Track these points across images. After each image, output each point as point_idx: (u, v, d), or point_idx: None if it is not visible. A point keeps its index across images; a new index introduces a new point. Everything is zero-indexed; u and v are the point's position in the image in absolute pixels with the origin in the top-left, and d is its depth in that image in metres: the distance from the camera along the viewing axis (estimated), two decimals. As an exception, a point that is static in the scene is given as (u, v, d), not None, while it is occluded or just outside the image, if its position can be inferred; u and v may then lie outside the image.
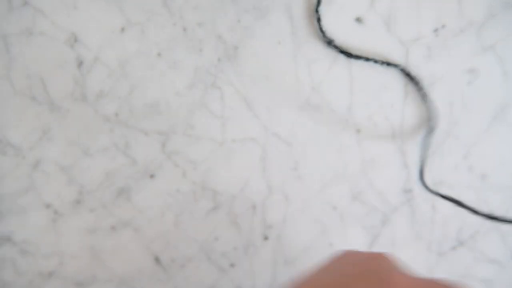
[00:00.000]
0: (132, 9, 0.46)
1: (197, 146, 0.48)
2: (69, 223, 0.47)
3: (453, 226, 0.51)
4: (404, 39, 0.48)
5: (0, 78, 0.45)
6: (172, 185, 0.48)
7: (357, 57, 0.47)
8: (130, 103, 0.47)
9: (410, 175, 0.50)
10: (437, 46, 0.48)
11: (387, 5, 0.47)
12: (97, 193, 0.47)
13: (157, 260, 0.49)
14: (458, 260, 0.51)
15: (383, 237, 0.50)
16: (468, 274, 0.52)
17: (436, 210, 0.50)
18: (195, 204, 0.49)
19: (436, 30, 0.48)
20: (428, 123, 0.48)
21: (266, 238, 0.50)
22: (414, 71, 0.48)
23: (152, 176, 0.48)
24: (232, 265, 0.50)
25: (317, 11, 0.45)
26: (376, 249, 0.51)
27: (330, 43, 0.45)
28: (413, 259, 0.51)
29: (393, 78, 0.49)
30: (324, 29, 0.46)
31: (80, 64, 0.46)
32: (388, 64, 0.46)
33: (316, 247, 0.50)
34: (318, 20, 0.45)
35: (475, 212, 0.44)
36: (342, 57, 0.48)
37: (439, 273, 0.51)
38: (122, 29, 0.46)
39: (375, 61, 0.47)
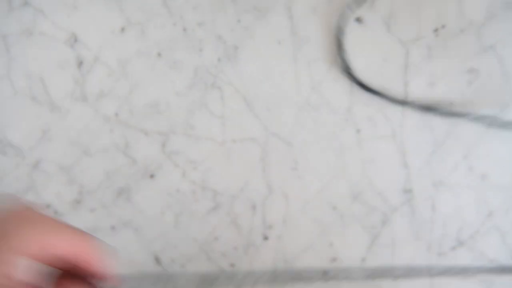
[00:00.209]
0: (132, 9, 0.46)
1: (197, 146, 0.48)
2: (69, 223, 0.47)
3: (453, 226, 0.51)
4: (404, 39, 0.48)
5: (0, 78, 0.45)
6: (172, 185, 0.48)
7: (374, 91, 0.47)
8: (130, 103, 0.47)
9: (410, 175, 0.50)
10: (437, 46, 0.48)
11: (387, 5, 0.47)
12: (97, 193, 0.47)
13: (157, 260, 0.49)
14: (458, 260, 0.51)
15: (383, 237, 0.50)
16: (468, 274, 0.52)
17: (436, 210, 0.50)
18: (195, 204, 0.48)
19: (436, 30, 0.48)
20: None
21: (266, 238, 0.50)
22: (414, 71, 0.48)
23: (152, 176, 0.48)
24: (232, 265, 0.50)
25: (338, 39, 0.45)
26: (376, 249, 0.51)
27: (348, 71, 0.45)
28: (413, 259, 0.51)
29: (393, 78, 0.49)
30: (345, 57, 0.46)
31: (80, 64, 0.46)
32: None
33: (316, 247, 0.50)
34: (339, 46, 0.45)
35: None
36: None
37: (439, 273, 0.51)
38: (122, 29, 0.46)
39: (392, 100, 0.47)
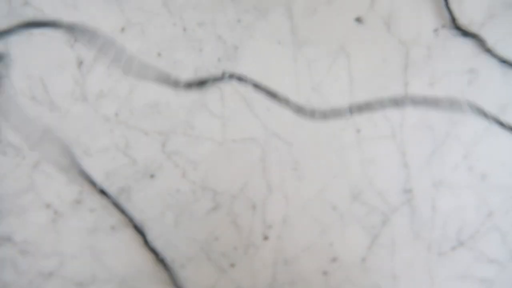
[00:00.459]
0: (132, 9, 0.46)
1: (197, 146, 0.48)
2: (69, 223, 0.47)
3: (453, 226, 0.51)
4: (404, 39, 0.48)
5: (0, 78, 0.45)
6: (172, 185, 0.48)
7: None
8: (130, 103, 0.47)
9: (410, 175, 0.50)
10: (437, 46, 0.48)
11: (387, 5, 0.47)
12: (97, 193, 0.47)
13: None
14: (458, 260, 0.51)
15: (383, 237, 0.50)
16: (468, 274, 0.52)
17: (436, 210, 0.50)
18: (195, 204, 0.48)
19: (436, 30, 0.48)
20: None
21: (266, 238, 0.50)
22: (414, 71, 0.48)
23: (152, 176, 0.48)
24: (232, 265, 0.50)
25: None
26: (376, 249, 0.51)
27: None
28: (413, 259, 0.51)
29: (393, 78, 0.49)
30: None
31: (80, 64, 0.46)
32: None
33: (316, 247, 0.50)
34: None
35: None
36: (342, 56, 0.48)
37: (439, 273, 0.51)
38: (122, 29, 0.46)
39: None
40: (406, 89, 0.49)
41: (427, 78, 0.49)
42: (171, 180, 0.48)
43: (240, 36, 0.47)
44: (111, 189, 0.47)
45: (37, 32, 0.45)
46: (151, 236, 0.48)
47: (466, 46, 0.48)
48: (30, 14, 0.45)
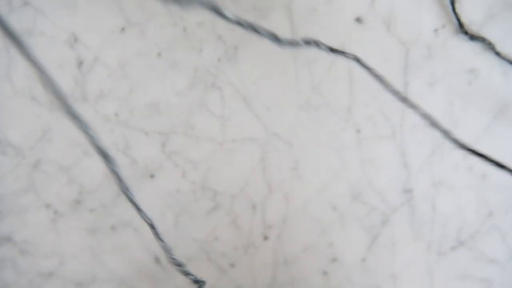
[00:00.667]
0: (132, 9, 0.46)
1: (197, 146, 0.48)
2: (69, 223, 0.47)
3: (453, 226, 0.51)
4: (404, 39, 0.48)
5: (0, 78, 0.45)
6: (172, 185, 0.48)
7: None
8: (130, 103, 0.47)
9: (410, 175, 0.50)
10: (437, 46, 0.48)
11: (387, 5, 0.47)
12: (97, 193, 0.47)
13: (157, 260, 0.49)
14: (458, 260, 0.51)
15: (383, 237, 0.50)
16: (468, 274, 0.52)
17: (436, 210, 0.50)
18: (195, 204, 0.48)
19: (436, 30, 0.48)
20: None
21: (266, 238, 0.50)
22: (414, 71, 0.48)
23: (152, 176, 0.48)
24: (232, 265, 0.50)
25: None
26: (376, 249, 0.51)
27: None
28: (413, 259, 0.51)
29: (393, 78, 0.49)
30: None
31: (80, 64, 0.46)
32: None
33: (316, 247, 0.50)
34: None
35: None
36: (342, 56, 0.48)
37: (439, 273, 0.51)
38: (122, 29, 0.46)
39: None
40: (406, 89, 0.49)
41: (427, 78, 0.49)
42: (171, 180, 0.48)
43: (240, 36, 0.47)
44: (111, 189, 0.47)
45: (37, 32, 0.45)
46: (151, 236, 0.48)
47: (466, 46, 0.48)
48: (30, 14, 0.45)
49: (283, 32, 0.47)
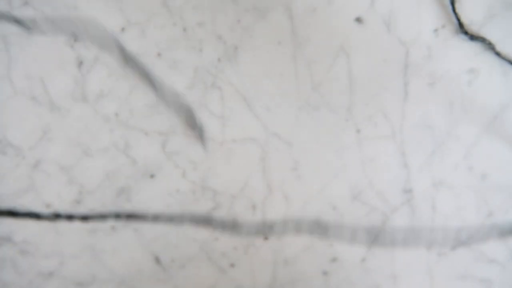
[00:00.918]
0: (132, 9, 0.46)
1: (197, 146, 0.48)
2: (69, 223, 0.47)
3: (453, 226, 0.51)
4: (404, 39, 0.48)
5: (0, 78, 0.45)
6: (172, 185, 0.48)
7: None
8: (130, 103, 0.47)
9: (410, 175, 0.50)
10: (437, 46, 0.48)
11: (387, 5, 0.47)
12: (97, 193, 0.47)
13: (157, 260, 0.49)
14: (458, 260, 0.51)
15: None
16: (468, 274, 0.52)
17: (436, 210, 0.50)
18: (195, 204, 0.48)
19: (436, 30, 0.48)
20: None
21: (266, 238, 0.50)
22: (414, 71, 0.48)
23: (152, 176, 0.48)
24: (232, 265, 0.50)
25: None
26: (376, 249, 0.51)
27: None
28: (413, 259, 0.51)
29: (393, 78, 0.49)
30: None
31: (80, 64, 0.46)
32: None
33: (316, 247, 0.50)
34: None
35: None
36: (342, 56, 0.48)
37: (439, 273, 0.51)
38: (122, 29, 0.46)
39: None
40: (406, 89, 0.49)
41: (427, 78, 0.49)
42: (171, 180, 0.48)
43: (240, 36, 0.47)
44: (111, 189, 0.47)
45: (37, 32, 0.45)
46: (151, 236, 0.48)
47: (466, 46, 0.48)
48: (30, 15, 0.45)
49: (283, 32, 0.47)
